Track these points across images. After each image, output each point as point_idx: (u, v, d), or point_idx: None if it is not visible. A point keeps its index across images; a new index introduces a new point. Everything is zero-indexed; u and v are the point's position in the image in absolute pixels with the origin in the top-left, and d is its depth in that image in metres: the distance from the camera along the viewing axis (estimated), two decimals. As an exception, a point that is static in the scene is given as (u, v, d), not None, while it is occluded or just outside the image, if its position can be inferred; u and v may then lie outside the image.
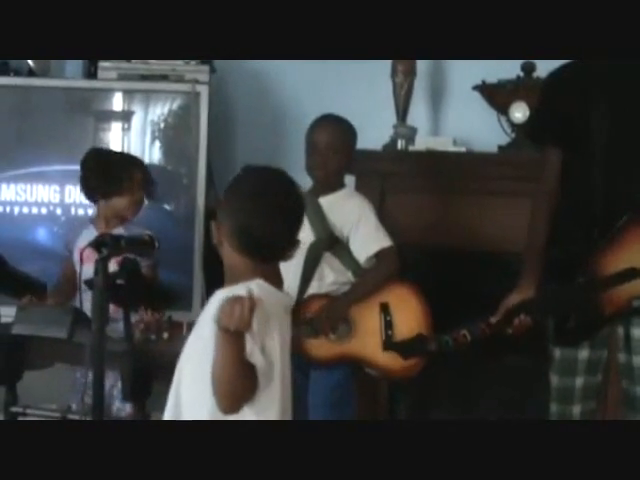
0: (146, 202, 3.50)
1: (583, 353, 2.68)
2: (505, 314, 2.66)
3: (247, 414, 2.02)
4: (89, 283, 2.23)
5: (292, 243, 2.13)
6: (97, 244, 2.25)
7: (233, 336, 1.93)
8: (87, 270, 2.36)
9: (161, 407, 2.69)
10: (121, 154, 3.61)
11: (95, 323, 2.14)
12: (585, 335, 2.66)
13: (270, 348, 2.03)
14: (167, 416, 2.10)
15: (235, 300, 1.92)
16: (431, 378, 3.62)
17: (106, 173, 3.41)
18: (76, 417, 2.57)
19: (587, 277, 2.61)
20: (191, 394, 2.08)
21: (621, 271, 2.57)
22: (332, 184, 3.24)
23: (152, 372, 2.42)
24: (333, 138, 3.19)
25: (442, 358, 2.85)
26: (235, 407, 1.99)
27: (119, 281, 2.38)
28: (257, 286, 2.04)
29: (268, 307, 2.03)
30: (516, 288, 2.70)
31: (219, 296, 2.06)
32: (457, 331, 2.70)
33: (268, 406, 2.04)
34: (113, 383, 3.05)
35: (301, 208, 2.15)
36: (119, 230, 3.30)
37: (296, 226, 2.14)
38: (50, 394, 3.07)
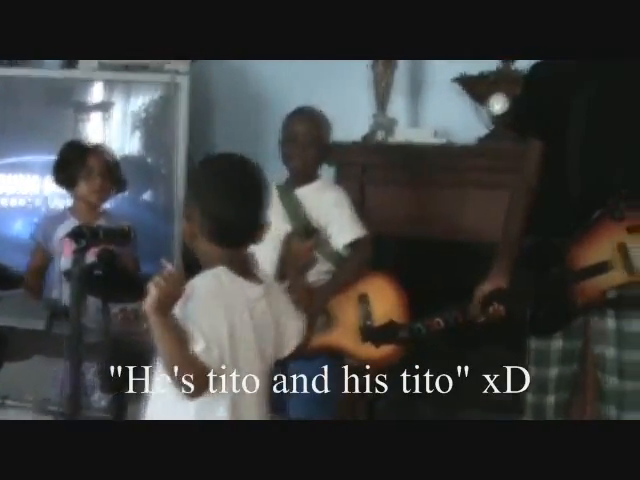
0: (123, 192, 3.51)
1: (557, 343, 2.70)
2: (478, 302, 2.68)
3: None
4: (67, 274, 2.23)
5: (257, 226, 2.16)
6: (75, 235, 2.25)
7: (160, 316, 1.96)
8: (65, 261, 2.36)
9: (140, 398, 2.72)
10: (79, 142, 3.60)
11: (72, 314, 2.14)
12: (558, 326, 2.68)
13: (217, 333, 2.03)
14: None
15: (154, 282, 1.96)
16: (411, 368, 3.66)
17: (64, 162, 3.44)
18: (54, 408, 2.57)
19: (561, 268, 2.63)
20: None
21: (596, 264, 2.59)
22: (308, 175, 3.27)
23: (130, 363, 2.42)
24: (310, 130, 3.23)
25: (420, 349, 2.88)
26: (197, 390, 2.00)
27: (97, 272, 2.38)
28: (213, 275, 2.08)
29: (225, 294, 2.06)
30: (489, 276, 2.72)
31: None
32: (431, 318, 2.72)
33: (216, 396, 2.05)
34: (91, 375, 3.06)
35: (262, 190, 2.18)
36: (99, 221, 3.33)
37: (259, 208, 2.17)
38: (29, 385, 3.06)
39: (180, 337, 1.98)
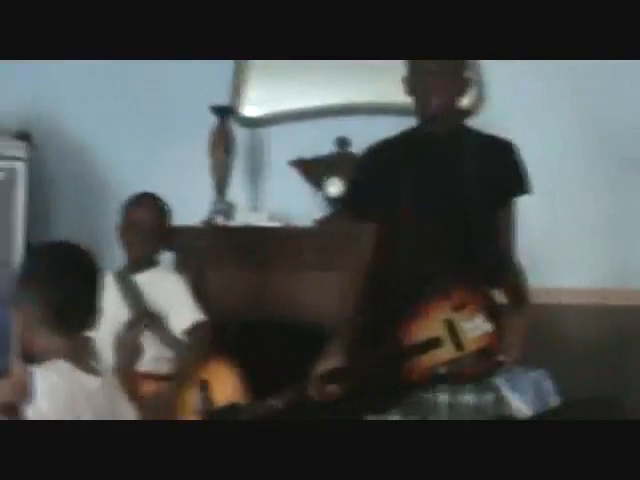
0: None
1: (394, 418, 2.75)
2: (315, 382, 2.72)
3: None
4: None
5: (92, 310, 2.17)
6: None
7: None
8: None
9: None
10: None
11: None
12: (393, 402, 2.73)
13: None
14: None
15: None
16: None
17: None
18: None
19: (393, 345, 2.69)
20: None
21: (425, 340, 2.67)
22: (147, 262, 3.28)
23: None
24: (150, 216, 3.26)
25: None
26: None
27: None
28: (52, 371, 2.07)
29: (66, 389, 2.05)
30: (324, 357, 2.75)
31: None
32: (266, 400, 2.74)
33: None
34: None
35: (95, 275, 2.20)
36: None
37: (93, 293, 2.18)
38: None
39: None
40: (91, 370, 2.16)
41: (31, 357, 2.17)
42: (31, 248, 2.27)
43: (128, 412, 2.25)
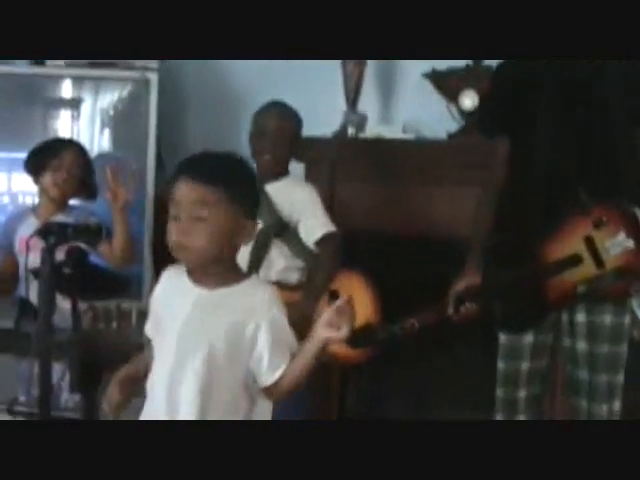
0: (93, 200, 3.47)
1: (528, 338, 2.71)
2: (453, 300, 2.69)
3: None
4: (36, 272, 2.21)
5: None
6: (44, 233, 2.22)
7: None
8: (33, 259, 2.33)
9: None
10: (56, 138, 3.59)
11: (41, 313, 2.11)
12: (531, 322, 2.69)
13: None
14: (160, 414, 2.06)
15: (346, 313, 1.97)
16: (381, 367, 3.66)
17: (39, 148, 3.42)
18: (23, 409, 2.54)
19: (532, 263, 2.64)
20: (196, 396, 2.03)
21: (565, 258, 2.61)
22: (278, 171, 3.25)
23: (101, 362, 2.40)
24: (281, 125, 3.23)
25: (392, 347, 2.88)
26: None
27: (66, 270, 2.36)
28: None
29: None
30: (462, 275, 2.72)
31: (206, 295, 2.07)
32: (406, 320, 2.72)
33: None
34: (61, 374, 3.03)
35: (259, 190, 2.22)
36: (59, 216, 3.29)
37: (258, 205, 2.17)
38: (-2, 386, 3.04)
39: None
40: None
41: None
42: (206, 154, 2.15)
43: None
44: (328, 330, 1.94)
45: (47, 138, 3.53)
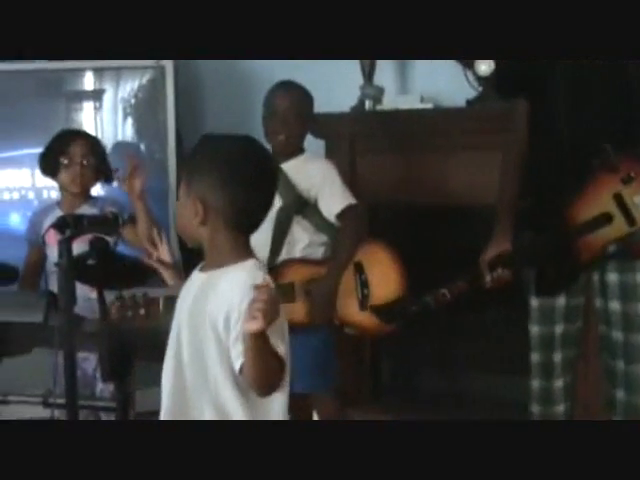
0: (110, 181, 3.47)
1: (560, 300, 2.68)
2: (485, 268, 2.66)
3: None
4: (58, 265, 2.21)
5: (268, 208, 2.10)
6: (59, 225, 2.22)
7: (261, 335, 1.85)
8: (55, 252, 2.34)
9: (144, 384, 2.70)
10: (65, 130, 3.55)
11: (62, 304, 2.12)
12: (563, 284, 2.66)
13: (282, 329, 1.98)
14: (167, 404, 2.07)
15: (260, 302, 1.82)
16: (413, 336, 3.64)
17: (47, 150, 3.43)
18: (59, 401, 2.56)
19: (561, 226, 2.60)
20: (199, 383, 2.03)
21: (595, 217, 2.57)
22: (292, 149, 3.25)
23: (131, 350, 2.40)
24: (291, 104, 3.22)
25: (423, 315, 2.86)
26: (276, 388, 1.97)
27: (90, 261, 2.36)
28: (258, 268, 2.03)
29: (273, 286, 1.98)
30: (491, 242, 2.69)
31: (207, 279, 2.05)
32: (437, 291, 2.69)
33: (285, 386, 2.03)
34: (95, 364, 3.05)
35: (277, 172, 2.14)
36: (83, 208, 3.32)
37: (275, 193, 2.13)
38: (31, 379, 3.05)
39: (271, 345, 1.90)
40: None
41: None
42: (206, 139, 2.14)
43: None
44: (247, 322, 1.83)
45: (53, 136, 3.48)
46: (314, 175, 3.19)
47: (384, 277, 3.13)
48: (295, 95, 3.26)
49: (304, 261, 3.18)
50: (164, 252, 2.40)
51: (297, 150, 3.27)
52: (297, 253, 3.19)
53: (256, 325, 1.81)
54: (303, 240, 3.19)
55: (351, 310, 3.13)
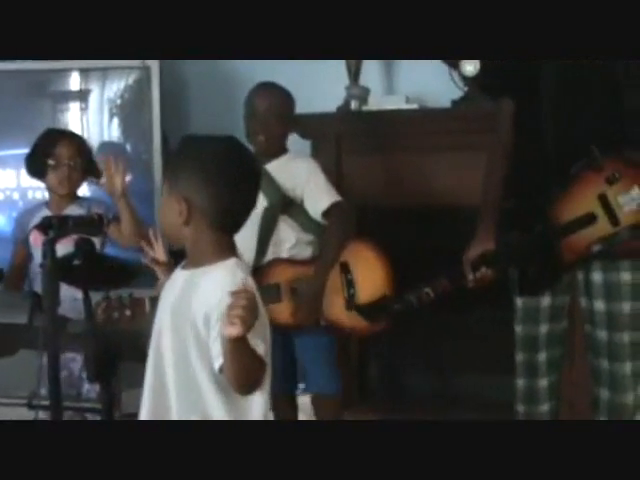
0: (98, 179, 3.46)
1: (545, 300, 2.68)
2: (467, 267, 2.66)
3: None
4: (42, 266, 2.21)
5: (251, 208, 2.11)
6: (43, 226, 2.22)
7: (241, 339, 1.86)
8: (39, 253, 2.34)
9: (129, 386, 2.69)
10: (50, 131, 3.53)
11: (46, 306, 2.12)
12: (547, 283, 2.66)
13: (264, 329, 1.98)
14: (148, 403, 2.08)
15: (237, 308, 1.82)
16: (399, 337, 3.65)
17: (33, 152, 3.42)
18: (43, 403, 2.55)
19: (545, 225, 2.61)
20: (181, 381, 2.04)
21: (579, 217, 2.57)
22: (274, 150, 3.25)
23: (116, 351, 2.40)
24: (271, 104, 3.22)
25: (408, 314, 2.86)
26: (256, 387, 1.98)
27: (76, 262, 2.35)
28: (238, 266, 2.03)
29: (253, 285, 1.98)
30: (474, 241, 2.69)
31: (189, 277, 2.06)
32: (420, 289, 2.70)
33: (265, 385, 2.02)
34: (81, 365, 3.04)
35: (260, 172, 2.14)
36: (71, 208, 3.32)
37: (258, 192, 2.13)
38: (16, 381, 3.04)
39: (251, 347, 1.90)
40: None
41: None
42: (187, 140, 2.15)
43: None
44: (226, 328, 1.84)
45: (36, 138, 3.47)
46: (298, 174, 3.19)
47: (370, 277, 3.14)
48: (274, 96, 3.26)
49: (290, 261, 3.19)
50: (160, 251, 2.41)
51: (279, 150, 3.27)
52: (284, 252, 3.19)
53: (235, 331, 1.83)
54: (290, 239, 3.20)
55: (337, 310, 3.13)
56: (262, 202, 3.10)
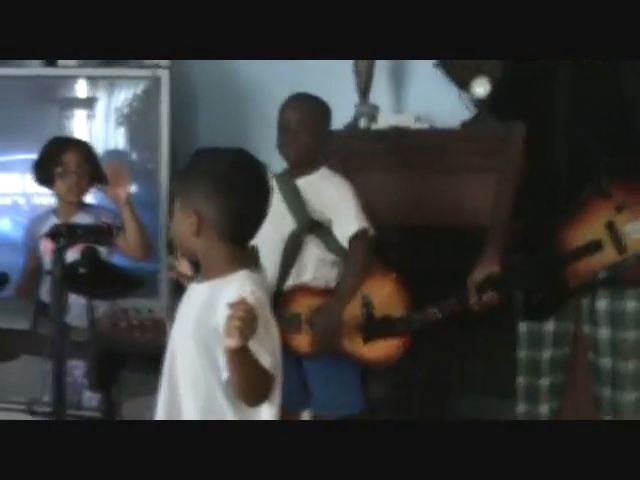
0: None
1: (549, 326, 2.68)
2: (473, 289, 2.66)
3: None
4: (50, 273, 2.21)
5: (263, 219, 2.12)
6: (53, 234, 2.23)
7: (241, 350, 1.88)
8: (49, 260, 2.34)
9: (131, 395, 2.69)
10: (57, 139, 3.54)
11: (54, 313, 2.12)
12: (552, 309, 2.66)
13: (272, 342, 2.01)
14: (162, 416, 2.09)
15: (235, 319, 1.85)
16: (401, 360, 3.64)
17: (41, 160, 3.42)
18: (42, 409, 2.55)
19: (552, 250, 2.61)
20: (197, 394, 2.06)
21: (586, 244, 2.57)
22: (307, 164, 3.16)
23: (118, 361, 2.41)
24: (302, 117, 3.12)
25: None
26: (263, 399, 2.01)
27: (81, 270, 2.36)
28: (247, 277, 2.04)
29: (261, 297, 2.01)
30: (480, 262, 2.69)
31: (203, 290, 2.08)
32: (427, 309, 2.69)
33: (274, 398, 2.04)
34: (82, 373, 3.04)
35: (269, 183, 2.15)
36: (79, 216, 3.32)
37: (268, 204, 2.13)
38: (16, 387, 3.04)
39: (254, 359, 1.92)
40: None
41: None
42: (200, 153, 2.18)
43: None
44: (226, 339, 1.87)
45: (43, 146, 3.49)
46: (329, 196, 3.11)
47: (391, 312, 3.03)
48: (307, 108, 3.15)
49: (313, 290, 3.10)
50: (184, 265, 2.41)
51: (311, 165, 3.17)
52: (307, 273, 3.11)
53: (234, 342, 1.85)
54: (314, 260, 3.12)
55: (356, 342, 3.05)
56: (289, 224, 3.06)
